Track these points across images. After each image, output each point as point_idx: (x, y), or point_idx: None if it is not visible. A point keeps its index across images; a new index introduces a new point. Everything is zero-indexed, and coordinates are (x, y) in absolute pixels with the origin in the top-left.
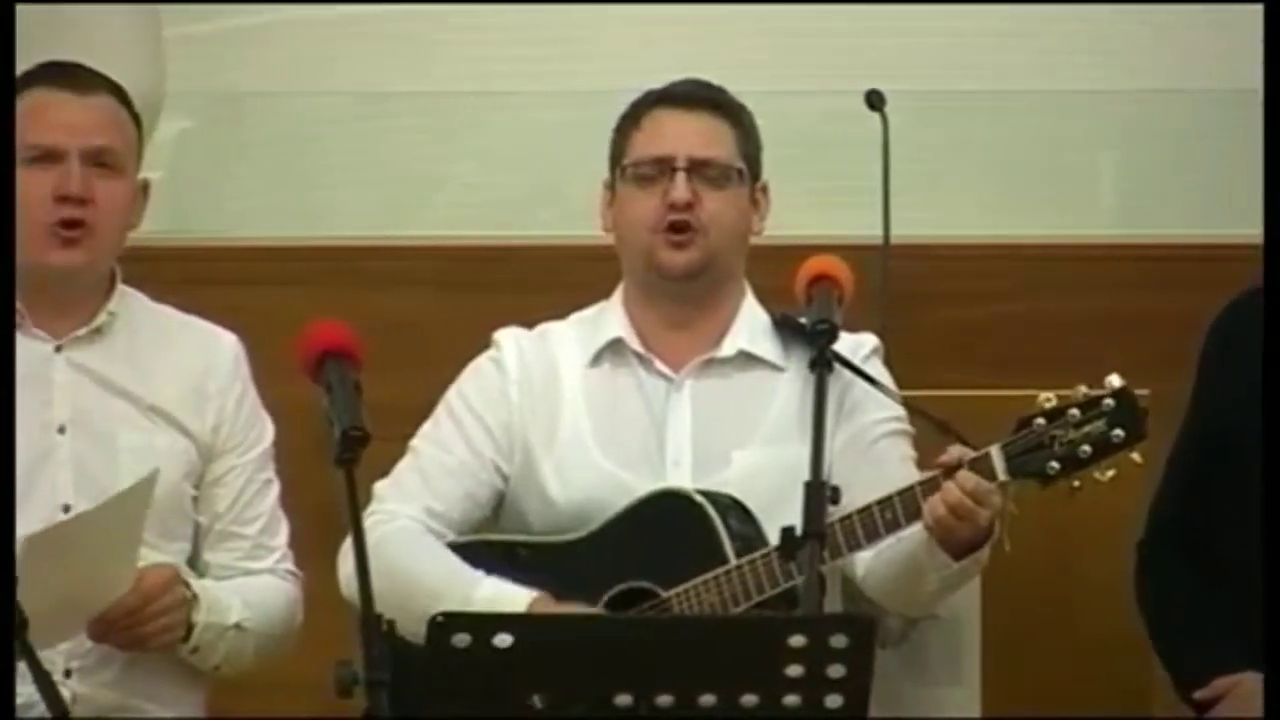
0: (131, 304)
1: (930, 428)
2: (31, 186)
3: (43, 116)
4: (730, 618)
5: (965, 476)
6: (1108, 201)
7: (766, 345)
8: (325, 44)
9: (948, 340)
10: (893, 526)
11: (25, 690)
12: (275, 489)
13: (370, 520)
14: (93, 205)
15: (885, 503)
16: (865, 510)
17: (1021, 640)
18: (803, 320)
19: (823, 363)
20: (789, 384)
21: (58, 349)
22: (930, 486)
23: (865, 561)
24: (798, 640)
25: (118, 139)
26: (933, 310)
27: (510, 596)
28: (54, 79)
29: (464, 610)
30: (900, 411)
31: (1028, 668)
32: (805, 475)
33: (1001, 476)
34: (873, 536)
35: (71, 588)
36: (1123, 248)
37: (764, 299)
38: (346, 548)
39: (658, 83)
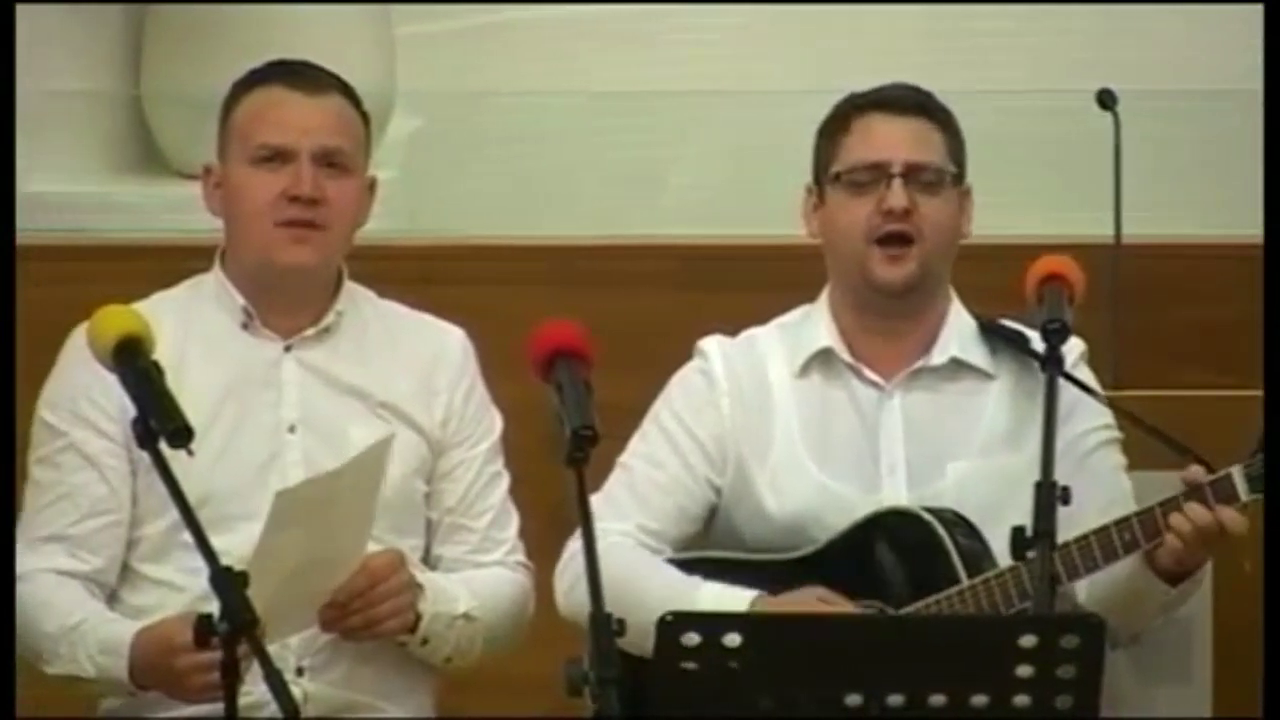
0: (359, 302)
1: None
2: (260, 186)
3: (273, 116)
4: (960, 617)
5: (1229, 515)
6: None
7: (976, 352)
8: (555, 43)
9: (1180, 340)
10: (1131, 548)
11: (256, 690)
12: (504, 482)
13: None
14: (323, 205)
15: (1123, 524)
16: (1102, 531)
17: (1255, 638)
18: (1008, 324)
19: (1054, 362)
20: (999, 392)
21: (287, 349)
22: (1169, 507)
23: (1083, 585)
24: (1028, 640)
25: (347, 139)
26: (1165, 310)
27: (732, 598)
28: (284, 78)
29: (693, 610)
30: (1110, 419)
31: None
32: (1019, 486)
33: (1244, 498)
34: (1110, 558)
35: (305, 560)
36: None
37: (987, 300)
38: (562, 567)
39: (876, 81)
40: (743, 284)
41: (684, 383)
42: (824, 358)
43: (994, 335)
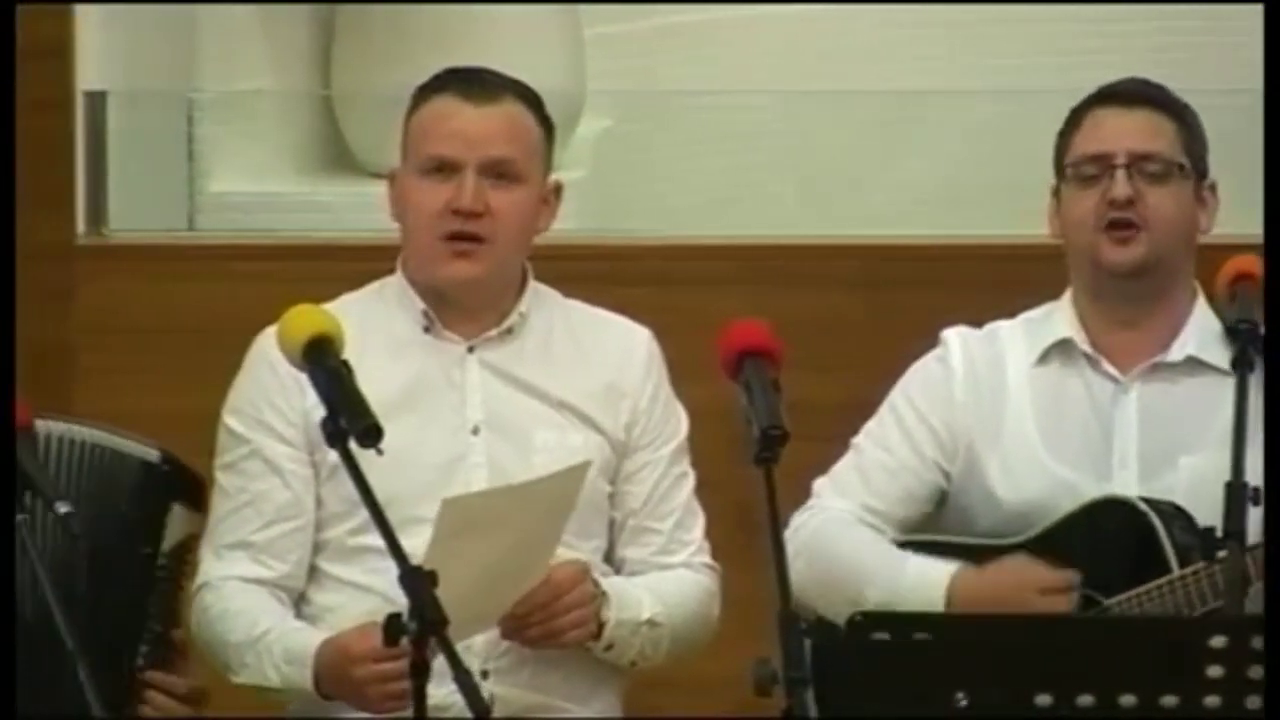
0: (544, 302)
1: None
2: (427, 198)
3: (441, 127)
4: (1150, 618)
5: None
6: None
7: (1216, 351)
8: (745, 43)
9: None
10: None
11: (441, 692)
12: (690, 482)
13: (806, 514)
14: (488, 218)
15: None
16: None
17: None
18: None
19: (1244, 363)
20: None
21: (470, 350)
22: None
23: None
24: (1218, 641)
25: (518, 148)
26: None
27: (935, 570)
28: (457, 87)
29: (885, 606)
30: None
31: None
32: (1256, 483)
33: None
34: None
35: (485, 570)
36: None
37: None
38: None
39: (1094, 82)
40: (931, 284)
41: (921, 370)
42: (1063, 348)
43: (1238, 337)
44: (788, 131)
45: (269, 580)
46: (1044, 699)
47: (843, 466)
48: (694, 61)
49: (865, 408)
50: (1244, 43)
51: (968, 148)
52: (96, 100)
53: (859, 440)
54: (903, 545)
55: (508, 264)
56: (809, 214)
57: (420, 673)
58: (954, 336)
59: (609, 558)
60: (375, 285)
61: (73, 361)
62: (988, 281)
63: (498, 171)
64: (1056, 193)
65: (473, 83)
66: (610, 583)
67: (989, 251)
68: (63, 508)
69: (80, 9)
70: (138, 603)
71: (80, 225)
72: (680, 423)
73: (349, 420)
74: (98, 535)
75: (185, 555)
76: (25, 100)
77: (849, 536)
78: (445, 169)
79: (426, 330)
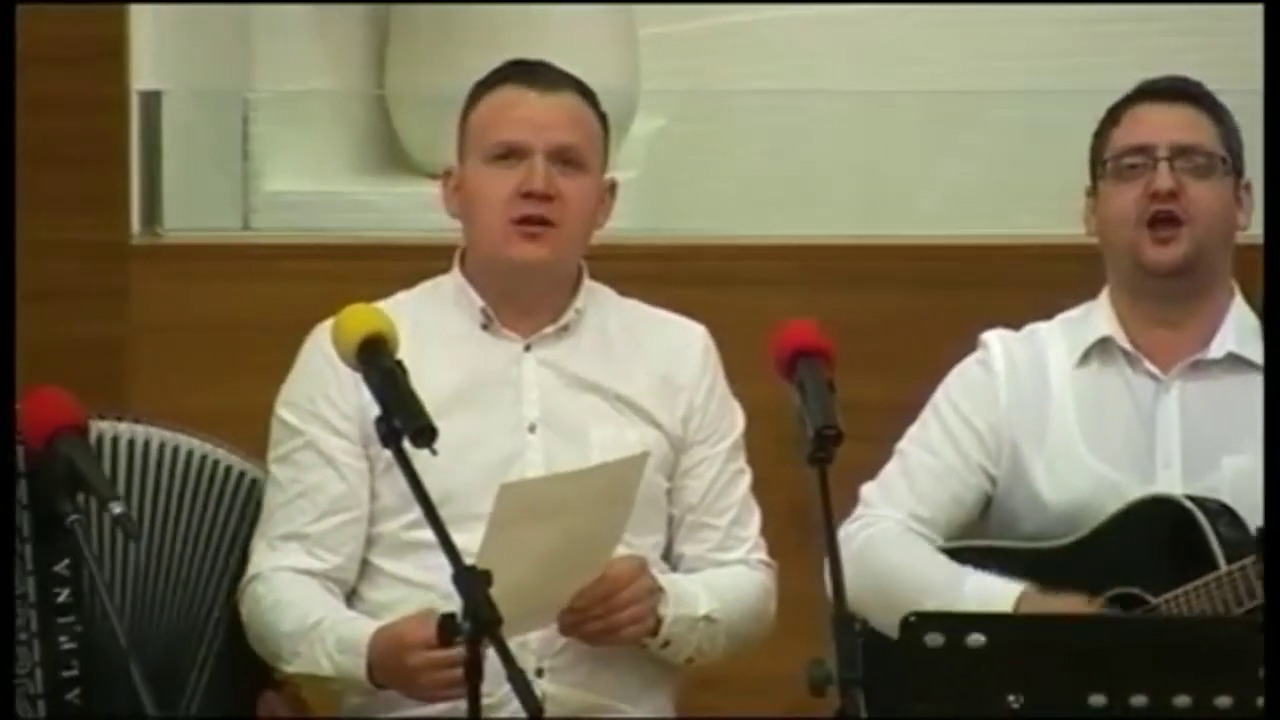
0: (599, 300)
1: None
2: (495, 184)
3: (508, 114)
4: (1202, 618)
5: None
6: None
7: (1256, 348)
8: (798, 43)
9: None
10: None
11: (499, 691)
12: (747, 479)
13: (856, 524)
14: (558, 201)
15: None
16: None
17: None
18: None
19: None
20: None
21: (526, 348)
22: None
23: None
24: None
25: (582, 137)
26: None
27: (998, 591)
28: (520, 77)
29: (942, 609)
30: None
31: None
32: None
33: None
34: None
35: (542, 560)
36: None
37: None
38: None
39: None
40: (984, 283)
41: (963, 373)
42: (1103, 347)
43: None
44: (841, 131)
45: (321, 572)
46: (1098, 699)
47: (889, 473)
48: (747, 61)
49: (918, 408)
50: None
51: (1018, 146)
52: (151, 100)
53: (903, 446)
54: (949, 552)
55: (573, 252)
56: (863, 213)
57: (474, 673)
58: (994, 338)
59: (666, 555)
60: (430, 283)
61: (128, 361)
62: (1038, 280)
63: (565, 158)
64: (1091, 192)
65: (536, 73)
66: (668, 579)
67: (1040, 251)
68: (117, 508)
69: (135, 9)
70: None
71: (135, 225)
72: (736, 419)
73: (403, 420)
74: (163, 533)
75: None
76: (80, 100)
77: (903, 550)
78: (513, 155)
79: (484, 328)
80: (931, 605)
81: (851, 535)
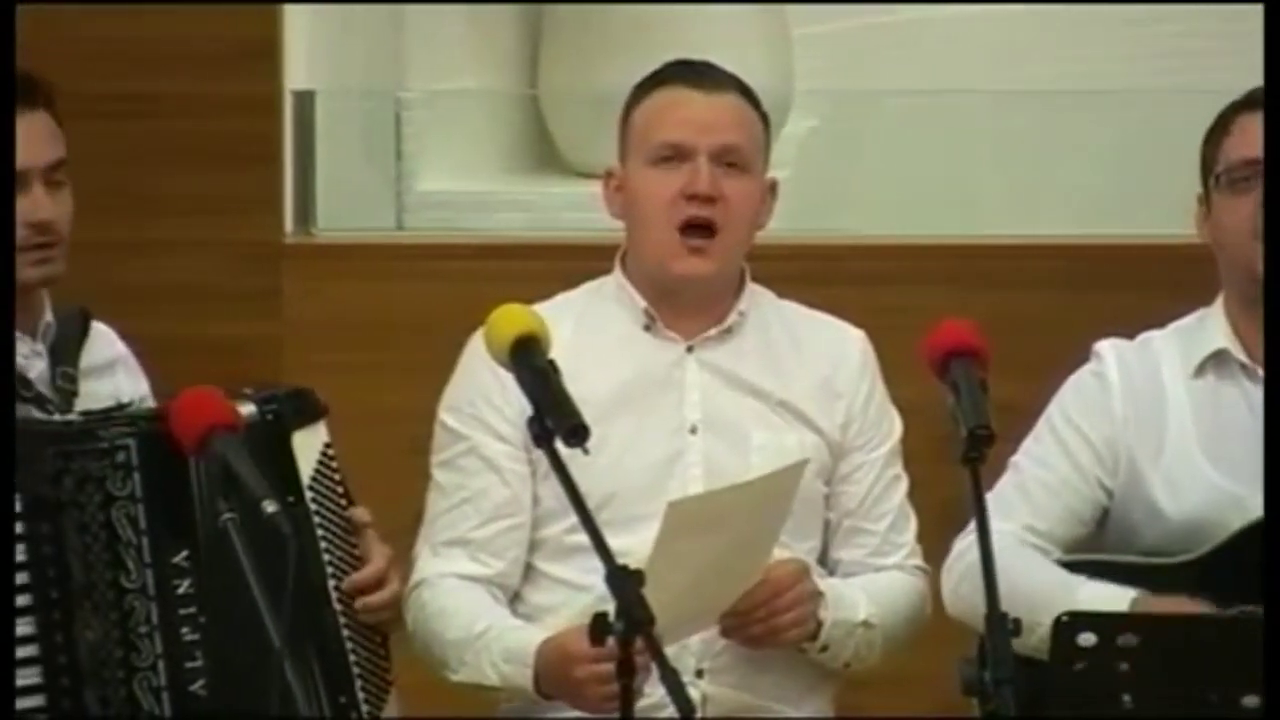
0: (760, 302)
1: None
2: (659, 186)
3: (671, 114)
4: None
5: None
6: None
7: None
8: (949, 43)
9: None
10: None
11: (659, 691)
12: (903, 485)
13: (969, 539)
14: (722, 203)
15: None
16: None
17: None
18: None
19: None
20: None
21: (689, 349)
22: None
23: None
24: None
25: (745, 137)
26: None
27: (1111, 597)
28: (683, 77)
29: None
30: None
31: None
32: None
33: None
34: None
35: (705, 569)
36: None
37: None
38: (949, 563)
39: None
40: (1134, 284)
41: (1077, 385)
42: (1219, 359)
43: None
44: (994, 130)
45: (486, 578)
46: (1250, 700)
47: (1004, 486)
48: (901, 61)
49: None
50: None
51: (1166, 147)
52: (305, 100)
53: (1018, 459)
54: (1066, 566)
55: (736, 257)
56: (1014, 213)
57: (627, 672)
58: (1108, 349)
59: (823, 559)
60: (593, 284)
61: (280, 361)
62: (1186, 281)
63: (728, 159)
64: (1203, 199)
65: (699, 72)
66: (827, 583)
67: (1186, 252)
68: (270, 507)
69: (288, 9)
70: (315, 558)
71: (288, 225)
72: (894, 424)
73: (555, 420)
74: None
75: (330, 467)
76: (233, 100)
77: (1016, 562)
78: (677, 156)
79: (647, 329)
80: (1047, 615)
81: (965, 549)
